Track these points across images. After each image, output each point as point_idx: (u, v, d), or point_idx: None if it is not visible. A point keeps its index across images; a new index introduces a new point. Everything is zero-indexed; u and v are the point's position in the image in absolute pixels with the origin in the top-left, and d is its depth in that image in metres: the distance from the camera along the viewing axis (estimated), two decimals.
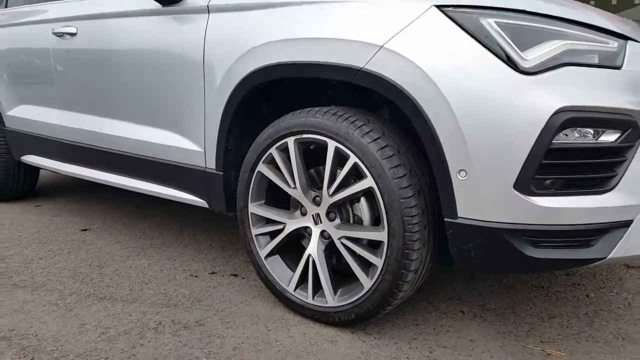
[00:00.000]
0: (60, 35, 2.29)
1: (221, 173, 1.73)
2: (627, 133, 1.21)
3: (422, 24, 1.23)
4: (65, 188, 3.45)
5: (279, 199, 1.63)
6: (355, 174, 1.38)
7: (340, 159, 1.40)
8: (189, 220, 2.63)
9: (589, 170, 1.21)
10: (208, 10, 1.68)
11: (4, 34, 2.77)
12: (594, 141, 1.20)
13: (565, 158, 1.17)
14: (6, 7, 2.98)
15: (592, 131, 1.19)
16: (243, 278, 1.90)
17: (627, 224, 1.24)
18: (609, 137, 1.21)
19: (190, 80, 1.72)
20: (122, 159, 2.09)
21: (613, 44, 1.25)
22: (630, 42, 1.28)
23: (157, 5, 1.81)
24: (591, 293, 1.75)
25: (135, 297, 1.74)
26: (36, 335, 1.48)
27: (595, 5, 1.82)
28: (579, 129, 1.17)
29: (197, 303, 1.68)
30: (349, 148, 1.35)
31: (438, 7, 1.22)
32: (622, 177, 1.22)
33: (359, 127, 1.34)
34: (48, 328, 1.52)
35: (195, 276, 1.92)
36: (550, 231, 1.20)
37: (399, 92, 1.24)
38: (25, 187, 3.16)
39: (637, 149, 1.23)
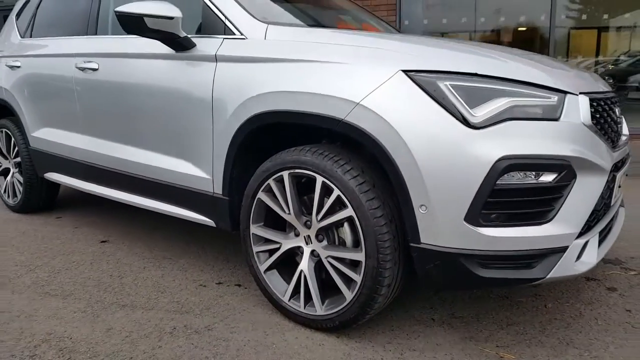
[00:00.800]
0: (83, 69, 2.57)
1: (227, 198, 2.00)
2: (562, 174, 1.46)
3: (390, 85, 1.49)
4: (83, 201, 3.73)
5: (276, 222, 1.89)
6: (340, 204, 1.65)
7: (326, 190, 1.66)
8: (196, 232, 2.90)
9: (530, 205, 1.46)
10: (216, 59, 1.95)
11: (30, 62, 3.06)
12: (535, 181, 1.45)
13: (508, 196, 1.43)
14: (31, 37, 3.28)
15: (532, 173, 1.45)
16: (245, 288, 2.17)
17: (563, 249, 1.50)
18: (547, 178, 1.46)
19: (201, 118, 1.99)
20: (138, 181, 2.37)
21: (553, 98, 1.50)
22: (568, 95, 1.53)
23: (171, 51, 2.09)
24: (549, 303, 2.00)
25: (152, 304, 2.01)
26: (70, 338, 1.76)
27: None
28: (519, 172, 1.43)
29: (206, 310, 1.95)
30: (333, 183, 1.61)
31: (404, 71, 1.48)
32: (558, 210, 1.48)
33: (342, 165, 1.61)
34: (80, 332, 1.80)
35: (204, 286, 2.20)
36: (496, 255, 1.45)
37: (372, 141, 1.50)
38: (47, 200, 3.46)
39: (572, 187, 1.49)
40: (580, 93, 1.56)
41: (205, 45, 2.01)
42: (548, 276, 1.49)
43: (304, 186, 1.78)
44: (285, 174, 1.75)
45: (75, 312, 1.95)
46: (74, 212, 3.45)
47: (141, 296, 2.09)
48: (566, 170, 1.46)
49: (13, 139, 3.35)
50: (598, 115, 1.64)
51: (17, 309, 1.99)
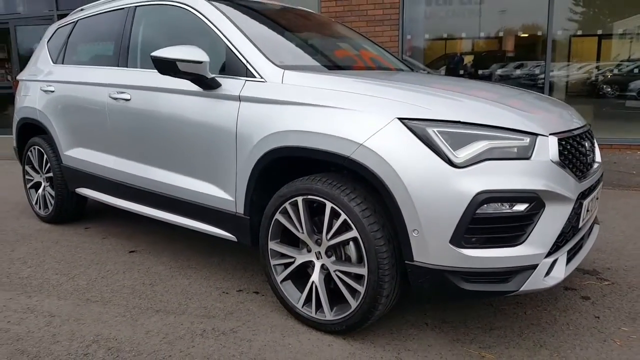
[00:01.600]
0: (115, 99, 2.88)
1: (248, 217, 2.30)
2: (533, 204, 1.75)
3: (388, 130, 1.79)
4: (108, 213, 4.04)
5: (291, 239, 2.19)
6: (346, 226, 1.94)
7: (334, 214, 1.96)
8: (216, 243, 3.20)
9: (505, 230, 1.75)
10: (239, 99, 2.25)
11: (64, 88, 3.37)
12: (509, 211, 1.74)
13: (486, 223, 1.72)
14: (63, 63, 3.60)
15: (507, 204, 1.74)
16: (262, 295, 2.47)
17: (534, 267, 1.79)
18: (520, 207, 1.75)
19: (226, 148, 2.29)
20: (166, 199, 2.67)
21: (525, 140, 1.79)
22: (539, 137, 1.82)
23: (200, 89, 2.39)
24: (528, 310, 2.29)
25: (182, 310, 2.32)
26: (116, 339, 2.06)
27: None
28: (496, 204, 1.72)
29: (229, 315, 2.25)
30: (340, 208, 1.91)
31: (399, 118, 1.78)
32: (529, 234, 1.77)
33: (348, 194, 1.91)
34: (123, 334, 2.10)
35: (227, 293, 2.50)
36: (476, 272, 1.75)
37: (373, 175, 1.80)
38: (76, 212, 3.78)
39: (541, 214, 1.78)
40: (551, 134, 1.86)
41: (229, 85, 2.31)
42: (520, 289, 1.78)
43: (314, 209, 2.08)
44: (299, 199, 2.05)
45: (116, 317, 2.26)
46: (101, 223, 3.77)
47: (172, 302, 2.40)
48: (536, 201, 1.76)
49: (45, 156, 3.66)
50: (566, 152, 1.93)
51: (66, 314, 2.30)
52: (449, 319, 2.21)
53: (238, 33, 2.41)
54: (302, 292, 2.16)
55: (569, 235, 1.98)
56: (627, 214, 3.81)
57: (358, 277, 1.96)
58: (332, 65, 2.70)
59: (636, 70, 7.05)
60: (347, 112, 1.90)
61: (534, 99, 2.33)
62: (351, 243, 1.98)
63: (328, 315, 2.04)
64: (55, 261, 3.00)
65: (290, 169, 2.25)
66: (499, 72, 7.48)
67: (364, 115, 1.86)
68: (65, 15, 3.98)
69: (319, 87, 2.06)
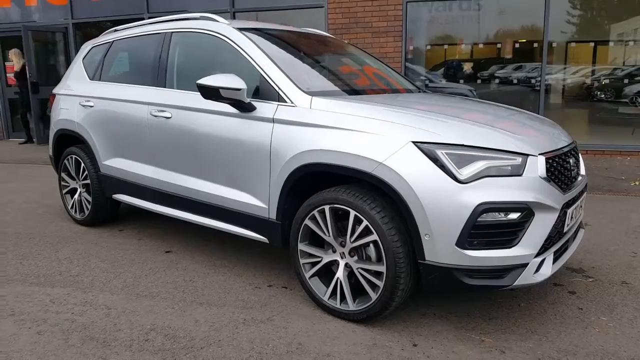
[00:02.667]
0: (156, 116, 3.23)
1: (279, 222, 2.66)
2: (524, 213, 2.12)
3: (403, 151, 2.15)
4: (139, 216, 4.39)
5: (317, 241, 2.55)
6: (367, 230, 2.30)
7: (357, 220, 2.31)
8: (244, 244, 3.55)
9: (501, 235, 2.11)
10: (273, 120, 2.61)
11: (104, 104, 3.72)
12: (504, 219, 2.10)
13: (485, 229, 2.08)
14: (100, 80, 3.94)
15: (502, 213, 2.10)
16: (290, 290, 2.83)
17: (525, 265, 2.15)
18: (513, 216, 2.11)
19: (261, 163, 2.65)
20: (203, 206, 3.03)
21: (518, 160, 2.16)
22: (530, 157, 2.18)
23: (237, 111, 2.75)
24: (522, 303, 2.65)
25: (223, 302, 2.67)
26: (170, 328, 2.42)
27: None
28: (493, 213, 2.08)
29: (264, 306, 2.61)
30: (363, 216, 2.27)
31: (413, 142, 2.15)
32: (521, 238, 2.13)
33: (369, 203, 2.26)
34: (175, 323, 2.46)
35: (259, 288, 2.86)
36: (477, 269, 2.11)
37: (391, 189, 2.16)
38: (110, 215, 4.13)
39: (531, 222, 2.14)
40: (540, 154, 2.22)
41: (264, 109, 2.67)
42: (514, 284, 2.15)
43: (339, 215, 2.44)
44: (326, 208, 2.41)
45: (166, 309, 2.61)
46: (133, 226, 4.12)
47: (212, 296, 2.75)
48: (526, 210, 2.12)
49: (82, 164, 4.01)
50: (552, 169, 2.29)
51: (121, 306, 2.65)
52: (453, 310, 2.57)
53: (269, 61, 2.77)
54: (327, 286, 2.52)
55: (555, 239, 2.34)
56: (613, 217, 4.18)
57: (377, 274, 2.31)
58: (351, 90, 3.05)
59: (626, 76, 7.45)
60: (369, 135, 2.26)
61: (527, 120, 2.69)
62: (371, 245, 2.34)
63: (351, 306, 2.40)
64: (100, 260, 3.35)
65: (314, 180, 2.60)
66: (497, 75, 7.89)
67: (384, 139, 2.22)
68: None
69: (343, 112, 2.42)
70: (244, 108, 2.71)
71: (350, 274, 2.43)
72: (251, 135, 2.70)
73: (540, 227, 2.17)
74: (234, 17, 8.51)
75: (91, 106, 3.83)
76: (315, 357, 2.14)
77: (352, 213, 2.31)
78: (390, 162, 2.16)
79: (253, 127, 2.70)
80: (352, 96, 2.82)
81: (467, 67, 8.08)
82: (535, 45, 7.49)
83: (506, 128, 2.34)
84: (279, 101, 2.65)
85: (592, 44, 7.55)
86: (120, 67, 3.81)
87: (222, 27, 3.07)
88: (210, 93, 2.64)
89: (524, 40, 7.71)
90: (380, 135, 2.24)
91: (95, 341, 2.29)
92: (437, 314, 2.53)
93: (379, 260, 2.31)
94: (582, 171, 2.78)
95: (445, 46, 8.11)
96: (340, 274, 2.44)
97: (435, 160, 2.11)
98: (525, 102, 7.68)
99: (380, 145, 2.21)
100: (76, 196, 4.18)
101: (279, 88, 2.66)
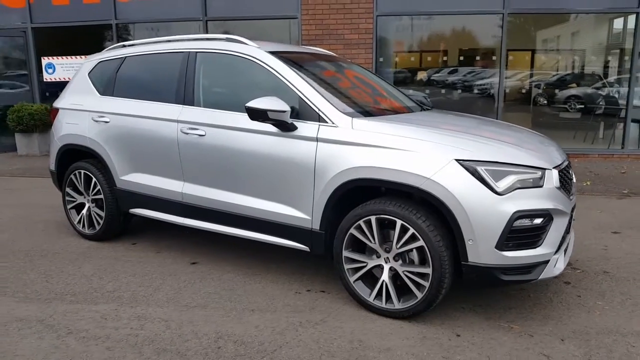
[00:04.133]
0: (187, 133, 3.37)
1: (322, 232, 2.91)
2: (546, 218, 2.53)
3: (448, 168, 2.49)
4: (147, 229, 4.44)
5: (359, 247, 2.84)
6: (411, 238, 2.61)
7: (403, 229, 2.63)
8: (266, 253, 3.74)
9: (529, 237, 2.51)
10: (317, 140, 2.87)
11: (123, 120, 3.77)
12: (531, 224, 2.50)
13: (518, 233, 2.47)
14: (112, 95, 3.98)
15: (530, 219, 2.50)
16: (329, 293, 3.09)
17: (547, 261, 2.57)
18: (538, 221, 2.52)
19: (304, 179, 2.89)
20: (241, 219, 3.21)
21: (538, 173, 2.57)
22: (547, 171, 2.60)
23: (277, 130, 2.97)
24: (531, 294, 3.09)
25: (273, 308, 2.89)
26: (235, 334, 2.60)
27: None
28: (524, 219, 2.47)
29: (313, 310, 2.86)
30: (410, 225, 2.58)
31: (456, 160, 2.50)
32: (544, 240, 2.54)
33: (415, 214, 2.59)
34: (237, 330, 2.64)
35: (299, 293, 3.09)
36: (511, 267, 2.49)
37: (438, 201, 2.50)
38: (122, 229, 4.17)
39: (550, 225, 2.56)
40: (554, 167, 2.65)
41: (305, 129, 2.91)
42: (539, 277, 2.56)
43: (382, 224, 2.74)
44: (372, 218, 2.70)
45: (222, 317, 2.79)
46: (145, 239, 4.18)
47: (260, 302, 2.96)
48: (548, 216, 2.54)
49: (94, 179, 4.03)
50: (561, 179, 2.73)
51: (176, 318, 2.79)
52: (477, 303, 2.95)
53: (305, 84, 3.02)
54: (370, 288, 2.81)
55: (564, 238, 2.78)
56: (577, 215, 4.79)
57: (422, 275, 2.64)
58: (379, 110, 3.36)
59: (556, 80, 8.43)
60: (414, 153, 2.59)
61: (534, 137, 3.13)
62: (414, 250, 2.66)
63: (397, 305, 2.71)
64: (130, 275, 3.43)
65: (352, 194, 2.88)
66: (449, 81, 8.63)
67: (430, 157, 2.55)
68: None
69: (384, 132, 2.72)
70: (286, 128, 2.95)
71: (394, 276, 2.74)
72: (294, 153, 2.93)
73: (557, 229, 2.60)
74: (206, 25, 8.57)
75: (106, 122, 3.86)
76: (378, 351, 2.43)
77: (399, 222, 2.62)
78: (437, 178, 2.49)
79: (296, 145, 2.94)
80: (385, 116, 3.12)
81: (422, 75, 8.75)
82: (494, 57, 8.20)
83: (526, 147, 2.75)
84: (319, 121, 2.91)
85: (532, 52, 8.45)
86: (136, 84, 3.87)
87: (253, 50, 3.27)
88: (258, 115, 2.86)
89: (482, 50, 8.44)
90: (424, 153, 2.57)
91: (169, 352, 2.43)
92: (466, 307, 2.90)
93: (422, 263, 2.64)
94: (574, 179, 3.27)
95: (412, 54, 8.68)
96: (385, 276, 2.75)
97: (476, 175, 2.47)
98: (482, 107, 8.39)
99: (427, 163, 2.54)
100: (84, 211, 4.17)
101: (319, 110, 2.92)
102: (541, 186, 2.56)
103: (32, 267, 3.58)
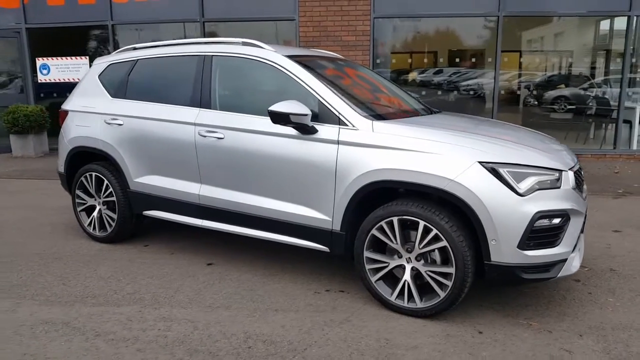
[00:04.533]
0: (205, 136, 3.39)
1: (343, 233, 2.97)
2: (563, 218, 2.63)
3: (471, 170, 2.57)
4: (157, 231, 4.44)
5: (380, 248, 2.90)
6: (433, 238, 2.68)
7: (426, 230, 2.69)
8: (282, 253, 3.79)
9: (548, 237, 2.60)
10: (338, 142, 2.92)
11: (138, 123, 3.77)
12: (550, 224, 2.59)
13: (538, 233, 2.56)
14: (124, 98, 3.98)
15: (549, 219, 2.59)
16: (348, 293, 3.15)
17: (565, 260, 2.66)
18: (556, 221, 2.61)
19: (325, 181, 2.95)
20: (261, 220, 3.25)
21: (556, 175, 2.66)
22: (564, 172, 2.70)
23: (297, 133, 3.02)
24: (545, 292, 3.18)
25: (295, 308, 2.94)
26: (263, 334, 2.64)
27: None
28: (543, 219, 2.56)
29: (334, 309, 2.91)
30: (433, 226, 2.65)
31: (479, 162, 2.57)
32: (562, 239, 2.64)
33: (437, 215, 2.66)
34: (264, 329, 2.69)
35: (319, 293, 3.14)
36: (532, 265, 2.58)
37: (462, 202, 2.57)
38: (134, 231, 4.17)
39: (568, 225, 2.65)
40: (569, 169, 2.75)
41: (325, 131, 2.96)
42: (558, 275, 2.65)
43: (404, 225, 2.80)
44: (394, 219, 2.77)
45: (247, 317, 2.83)
46: (156, 240, 4.19)
47: (282, 303, 3.00)
48: (566, 216, 2.63)
49: (106, 181, 4.02)
50: (576, 181, 2.83)
51: (202, 319, 2.82)
52: (494, 301, 3.04)
53: (325, 88, 3.07)
54: (391, 288, 2.87)
55: (579, 238, 2.88)
56: None
57: (445, 275, 2.71)
58: (395, 112, 3.42)
59: (546, 81, 8.65)
60: (437, 155, 2.66)
61: (547, 140, 3.23)
62: (436, 250, 2.73)
63: (419, 304, 2.78)
64: (147, 277, 3.44)
65: (374, 195, 2.94)
66: (450, 81, 8.80)
67: (453, 159, 2.62)
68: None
69: (405, 135, 2.79)
70: (306, 131, 3.00)
71: (416, 276, 2.81)
72: (314, 155, 2.98)
73: (574, 229, 2.70)
74: (203, 27, 8.56)
75: (119, 124, 3.87)
76: (405, 349, 2.50)
77: (422, 223, 2.69)
78: (461, 179, 2.57)
79: (316, 148, 2.99)
80: (403, 119, 3.18)
81: (417, 76, 8.89)
82: (489, 59, 8.35)
83: (543, 150, 2.84)
84: (339, 124, 2.96)
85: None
86: (150, 86, 3.87)
87: (271, 54, 3.31)
88: (280, 118, 2.90)
89: (477, 51, 8.60)
90: (448, 156, 2.64)
91: (201, 353, 2.47)
92: (484, 305, 2.98)
93: (444, 262, 2.71)
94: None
95: (408, 54, 8.80)
96: (407, 276, 2.81)
97: (499, 177, 2.55)
98: (477, 108, 8.54)
99: (450, 165, 2.61)
100: (95, 213, 4.16)
101: (339, 113, 2.97)
102: (559, 187, 2.65)
103: (47, 270, 3.57)
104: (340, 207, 2.94)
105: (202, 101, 3.51)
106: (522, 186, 2.55)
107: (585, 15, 8.22)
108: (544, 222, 2.57)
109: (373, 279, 2.91)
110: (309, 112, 2.91)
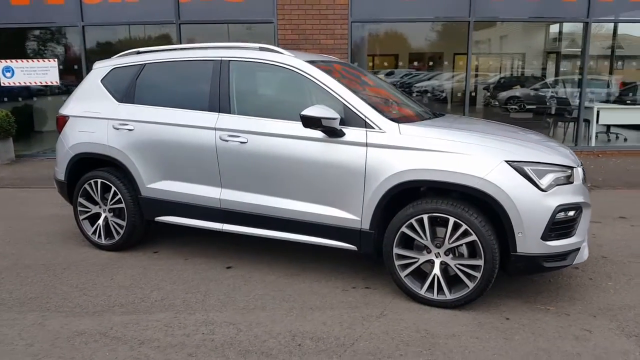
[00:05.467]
0: (227, 141, 3.42)
1: (372, 231, 3.11)
2: (577, 211, 2.89)
3: (499, 168, 2.78)
4: (163, 236, 4.38)
5: (408, 244, 3.06)
6: (462, 233, 2.87)
7: (455, 226, 2.88)
8: (296, 254, 3.87)
9: (565, 228, 2.86)
10: (366, 145, 3.05)
11: (148, 127, 3.74)
12: (566, 216, 2.85)
13: (558, 224, 2.81)
14: (133, 103, 3.92)
15: (566, 212, 2.84)
16: (374, 289, 3.29)
17: (578, 249, 2.94)
18: (571, 213, 2.87)
19: (354, 183, 3.07)
20: (285, 222, 3.33)
21: (569, 171, 2.93)
22: (575, 169, 2.97)
23: (324, 136, 3.13)
24: (551, 279, 3.46)
25: (330, 305, 3.04)
26: (307, 332, 2.73)
27: None
28: (562, 212, 2.81)
29: (368, 305, 3.04)
30: (462, 221, 2.84)
31: (506, 161, 2.79)
32: (576, 229, 2.90)
33: (467, 211, 2.85)
34: (306, 327, 2.77)
35: (347, 290, 3.26)
36: (553, 255, 2.83)
37: (492, 198, 2.78)
38: (142, 237, 4.11)
39: (580, 217, 2.92)
40: (578, 166, 3.02)
41: (353, 134, 3.09)
42: (573, 263, 2.92)
43: (433, 222, 2.97)
44: (425, 217, 2.94)
45: (286, 317, 2.90)
46: (164, 247, 4.14)
47: (315, 301, 3.09)
48: (579, 209, 2.90)
49: (113, 188, 3.95)
50: (583, 176, 3.11)
51: (243, 321, 2.86)
52: (510, 290, 3.27)
53: (349, 92, 3.20)
54: (419, 282, 3.04)
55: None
56: None
57: (473, 267, 2.90)
58: (409, 116, 3.59)
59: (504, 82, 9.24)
60: (465, 156, 2.85)
61: (553, 141, 3.51)
62: (464, 245, 2.92)
63: (448, 295, 2.96)
64: (171, 283, 3.42)
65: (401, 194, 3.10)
66: (423, 83, 9.18)
67: (481, 159, 2.83)
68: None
69: (433, 137, 2.97)
70: (335, 134, 3.11)
71: (445, 269, 2.99)
72: (344, 158, 3.10)
73: (585, 220, 2.98)
74: (179, 29, 8.43)
75: (130, 129, 3.81)
76: (445, 337, 2.67)
77: (452, 220, 2.87)
78: (490, 177, 2.77)
79: (345, 150, 3.11)
80: (424, 122, 3.35)
81: (393, 79, 9.23)
82: (461, 62, 8.75)
83: (551, 147, 3.11)
84: (366, 127, 3.09)
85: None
86: (161, 91, 3.84)
87: (291, 59, 3.39)
88: (312, 122, 3.00)
89: (449, 54, 9.01)
90: (476, 156, 2.84)
91: (254, 354, 2.52)
92: (502, 294, 3.21)
93: (472, 256, 2.91)
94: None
95: (384, 58, 9.06)
96: (437, 270, 2.99)
97: (524, 174, 2.78)
98: (450, 109, 8.94)
99: (480, 164, 2.81)
100: (100, 221, 4.07)
101: (366, 116, 3.11)
102: (572, 182, 2.91)
103: (60, 281, 3.48)
104: (369, 206, 3.07)
105: (221, 106, 3.53)
106: (544, 182, 2.79)
107: (546, 21, 8.80)
108: (562, 214, 2.83)
109: (402, 274, 3.06)
110: (339, 116, 3.03)
